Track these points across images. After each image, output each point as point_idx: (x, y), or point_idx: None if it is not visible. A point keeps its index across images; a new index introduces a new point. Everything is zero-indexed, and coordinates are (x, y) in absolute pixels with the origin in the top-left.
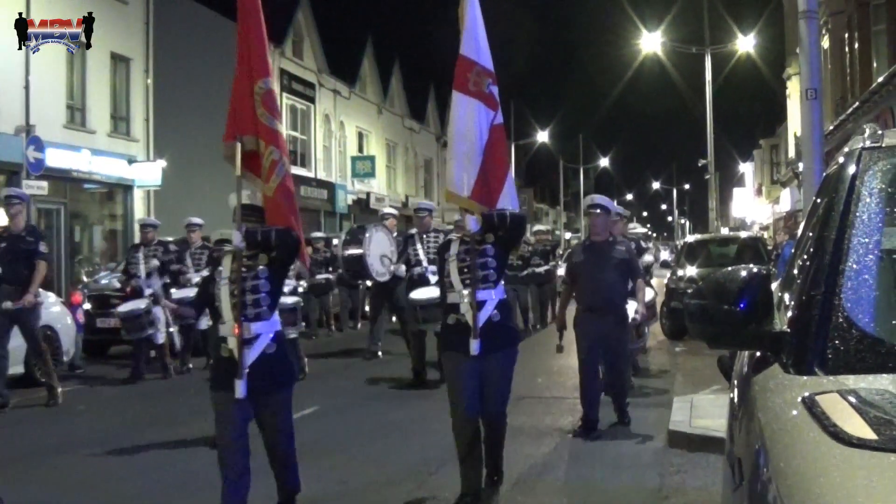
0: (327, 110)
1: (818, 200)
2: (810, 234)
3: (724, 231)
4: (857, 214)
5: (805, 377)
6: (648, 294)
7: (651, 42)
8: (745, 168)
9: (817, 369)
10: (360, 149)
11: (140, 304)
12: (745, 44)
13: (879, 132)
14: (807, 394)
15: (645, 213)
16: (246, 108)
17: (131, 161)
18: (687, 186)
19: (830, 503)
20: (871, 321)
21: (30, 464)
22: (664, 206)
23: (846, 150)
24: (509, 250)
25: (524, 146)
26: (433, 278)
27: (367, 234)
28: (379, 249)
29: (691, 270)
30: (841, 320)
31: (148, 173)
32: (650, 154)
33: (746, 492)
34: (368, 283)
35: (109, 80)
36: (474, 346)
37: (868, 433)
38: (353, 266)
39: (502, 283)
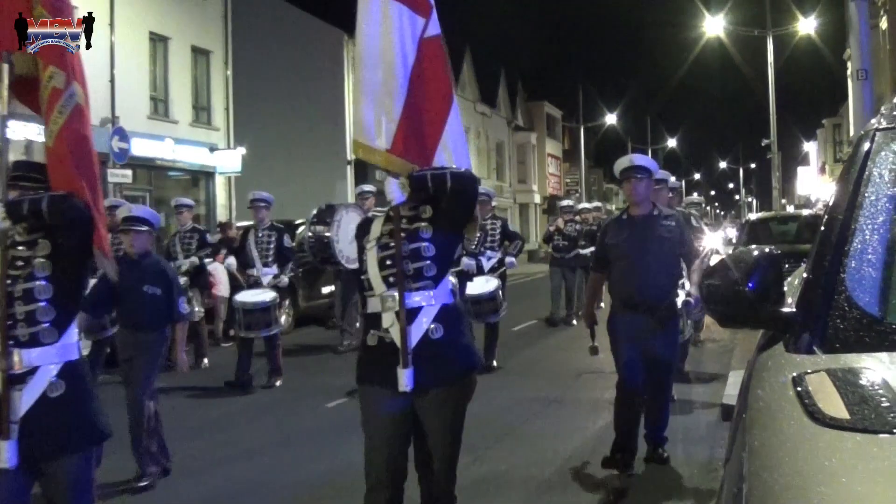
0: None
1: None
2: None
3: (790, 209)
4: (866, 195)
5: (802, 356)
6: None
7: (714, 25)
8: (810, 147)
9: (816, 348)
10: None
11: None
12: (807, 26)
13: (894, 113)
14: (797, 372)
15: (713, 193)
16: (13, 9)
17: (212, 149)
18: (753, 165)
19: (791, 483)
20: (873, 301)
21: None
22: (731, 185)
23: (862, 130)
24: (459, 230)
25: (593, 128)
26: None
27: (336, 216)
28: (351, 233)
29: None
30: (842, 300)
31: (228, 160)
32: (716, 134)
33: (731, 464)
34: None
35: (190, 73)
36: (404, 377)
37: (842, 413)
38: (319, 251)
39: (449, 280)
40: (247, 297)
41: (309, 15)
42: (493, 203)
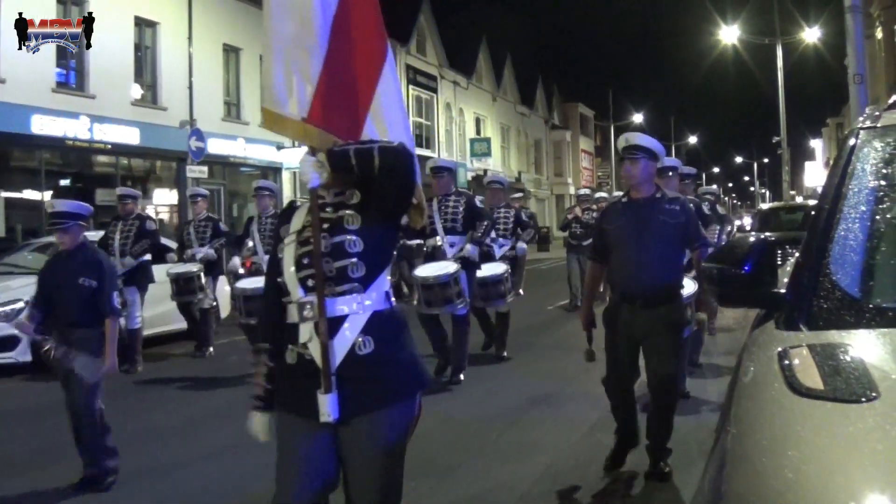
0: (448, 99)
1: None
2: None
3: (798, 199)
4: (850, 187)
5: (790, 332)
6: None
7: (729, 34)
8: (816, 144)
9: (802, 326)
10: (478, 132)
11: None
12: (812, 35)
13: (877, 113)
14: (783, 347)
15: (730, 185)
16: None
17: (279, 147)
18: (766, 160)
19: (766, 446)
20: (854, 284)
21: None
22: (746, 178)
23: (848, 129)
24: (395, 219)
25: (622, 126)
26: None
27: None
28: None
29: (766, 235)
30: (827, 282)
31: (293, 157)
32: (733, 131)
33: (720, 432)
34: None
35: (259, 79)
36: (326, 405)
37: (818, 384)
38: None
39: (385, 281)
40: (248, 284)
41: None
42: (519, 193)
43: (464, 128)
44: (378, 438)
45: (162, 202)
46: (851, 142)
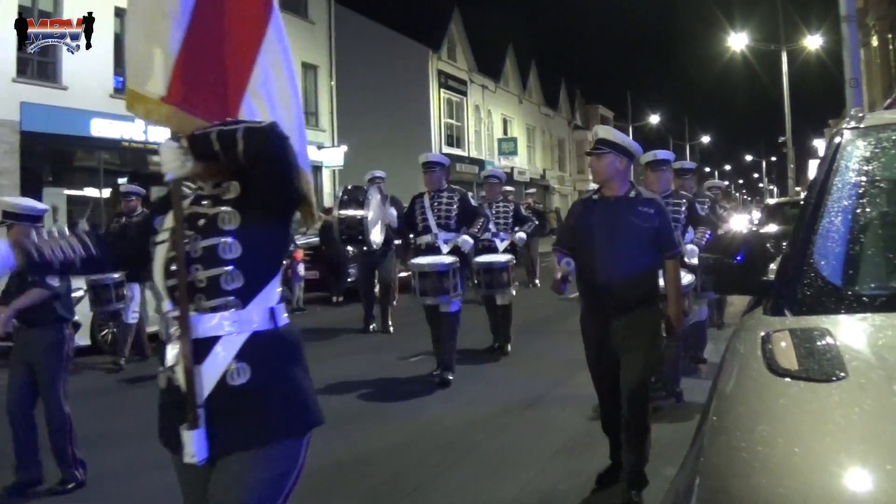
0: (477, 102)
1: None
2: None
3: (803, 195)
4: (834, 183)
5: (775, 317)
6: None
7: (737, 41)
8: (818, 143)
9: (787, 311)
10: (505, 132)
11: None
12: (814, 42)
13: (861, 115)
14: (767, 331)
15: (741, 181)
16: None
17: (320, 147)
18: (773, 159)
19: (741, 422)
20: (836, 273)
21: None
22: (756, 175)
23: (835, 129)
24: (280, 218)
25: (639, 127)
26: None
27: (367, 195)
28: (377, 214)
29: (772, 228)
30: (810, 271)
31: (333, 156)
32: (743, 131)
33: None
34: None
35: (301, 84)
36: (191, 443)
37: (793, 364)
38: (350, 229)
39: (273, 294)
40: None
41: (398, 34)
42: (521, 189)
43: (492, 128)
44: (247, 485)
45: None
46: (836, 140)
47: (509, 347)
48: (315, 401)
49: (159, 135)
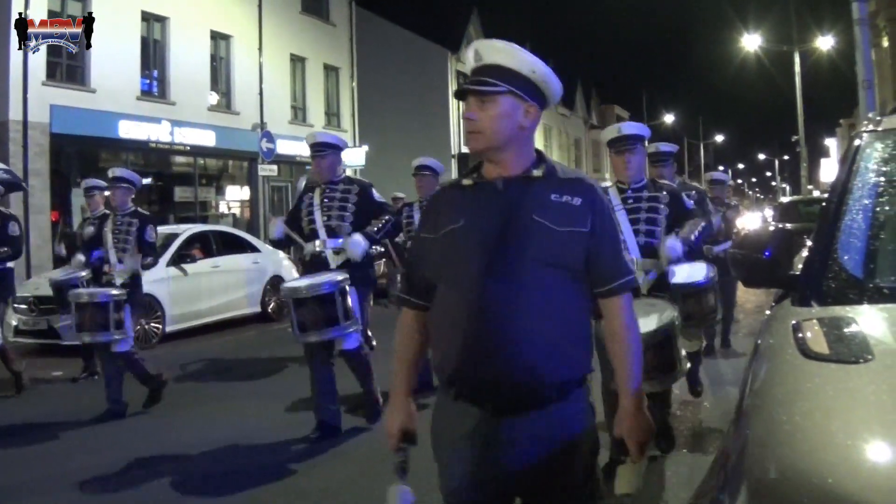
0: None
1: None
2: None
3: (815, 193)
4: (855, 183)
5: (803, 308)
6: (700, 272)
7: (750, 42)
8: (830, 142)
9: (813, 302)
10: None
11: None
12: (825, 43)
13: (879, 118)
14: (796, 321)
15: (754, 180)
16: None
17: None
18: (786, 157)
19: (779, 399)
20: (858, 266)
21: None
22: (769, 174)
23: (853, 132)
24: None
25: (654, 126)
26: None
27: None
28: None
29: (787, 226)
30: (834, 265)
31: (354, 156)
32: (756, 130)
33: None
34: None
35: (323, 86)
36: None
37: (825, 349)
38: None
39: None
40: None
41: (419, 36)
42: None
43: None
44: None
45: (234, 198)
46: (856, 143)
47: None
48: None
49: (184, 137)
